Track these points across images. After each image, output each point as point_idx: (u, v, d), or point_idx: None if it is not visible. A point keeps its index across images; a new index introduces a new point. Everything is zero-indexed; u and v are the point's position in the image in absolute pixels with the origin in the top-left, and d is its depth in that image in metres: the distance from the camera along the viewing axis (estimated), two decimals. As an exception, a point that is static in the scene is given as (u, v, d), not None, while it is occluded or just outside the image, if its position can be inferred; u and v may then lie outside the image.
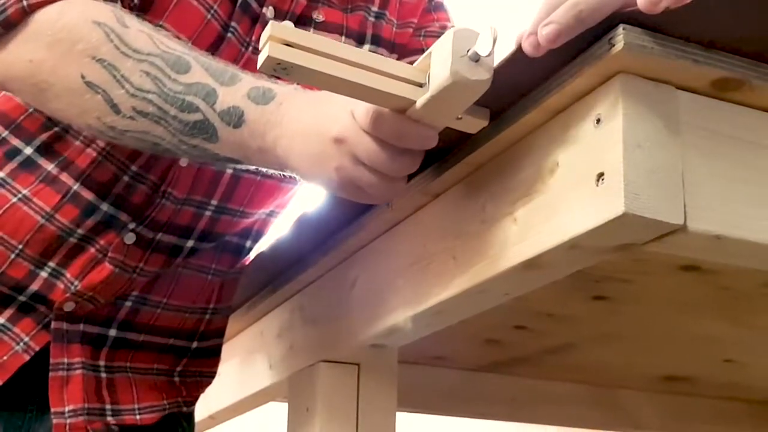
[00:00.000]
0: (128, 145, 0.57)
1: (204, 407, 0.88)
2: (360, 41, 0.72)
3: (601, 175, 0.37)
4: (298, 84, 0.48)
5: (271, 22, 0.41)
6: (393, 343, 0.60)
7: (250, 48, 0.65)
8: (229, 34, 0.64)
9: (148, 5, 0.61)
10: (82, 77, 0.53)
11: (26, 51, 0.54)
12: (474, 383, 0.87)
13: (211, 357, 0.73)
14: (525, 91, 0.42)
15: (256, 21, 0.65)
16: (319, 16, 0.70)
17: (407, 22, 0.76)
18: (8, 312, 0.62)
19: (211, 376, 0.73)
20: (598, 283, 0.59)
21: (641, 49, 0.36)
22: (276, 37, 0.39)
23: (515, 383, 0.89)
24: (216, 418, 0.89)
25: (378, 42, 0.73)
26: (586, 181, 0.38)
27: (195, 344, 0.71)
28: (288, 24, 0.38)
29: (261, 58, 0.40)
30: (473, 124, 0.43)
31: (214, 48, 0.63)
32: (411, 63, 0.51)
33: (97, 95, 0.53)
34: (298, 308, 0.71)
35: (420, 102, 0.41)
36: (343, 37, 0.71)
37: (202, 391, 0.73)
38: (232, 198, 0.67)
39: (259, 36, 0.66)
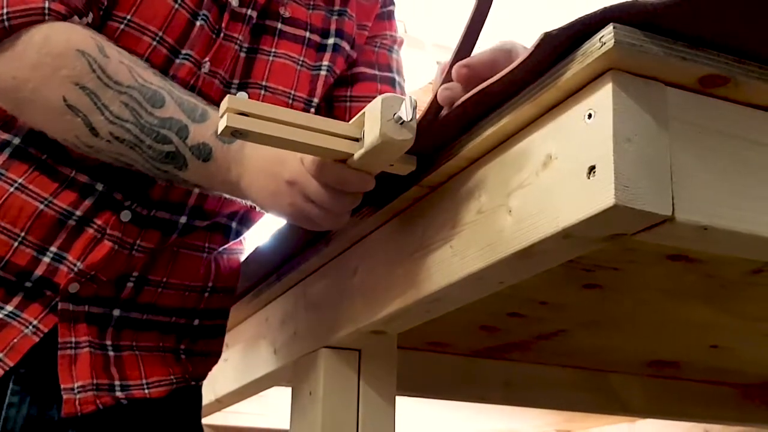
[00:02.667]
0: (102, 159, 0.61)
1: (211, 391, 0.89)
2: (324, 36, 0.75)
3: (592, 167, 0.38)
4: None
5: (228, 95, 0.46)
6: (393, 329, 0.62)
7: (222, 35, 0.68)
8: (200, 21, 0.66)
9: (115, 1, 0.63)
10: (64, 100, 0.56)
11: (11, 68, 0.57)
12: (470, 368, 0.88)
13: (216, 337, 0.75)
14: (519, 88, 0.44)
15: (224, 9, 0.68)
16: (286, 12, 0.73)
17: (363, 25, 0.79)
18: (16, 300, 0.64)
19: (217, 355, 0.76)
20: (590, 272, 0.60)
21: (631, 47, 0.37)
22: (233, 108, 0.46)
23: (510, 368, 0.90)
24: (223, 402, 0.90)
25: (342, 36, 0.76)
26: (578, 173, 0.39)
27: (197, 321, 0.73)
28: (242, 95, 0.44)
29: (221, 126, 0.46)
30: (403, 169, 0.50)
31: (185, 35, 0.66)
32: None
33: (77, 118, 0.56)
34: (301, 296, 0.72)
35: (357, 155, 0.48)
36: (308, 33, 0.74)
37: (209, 369, 0.75)
38: None
39: (227, 23, 0.69)
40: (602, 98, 0.39)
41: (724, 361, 0.92)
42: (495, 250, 0.45)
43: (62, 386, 0.64)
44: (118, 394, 0.66)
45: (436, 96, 0.48)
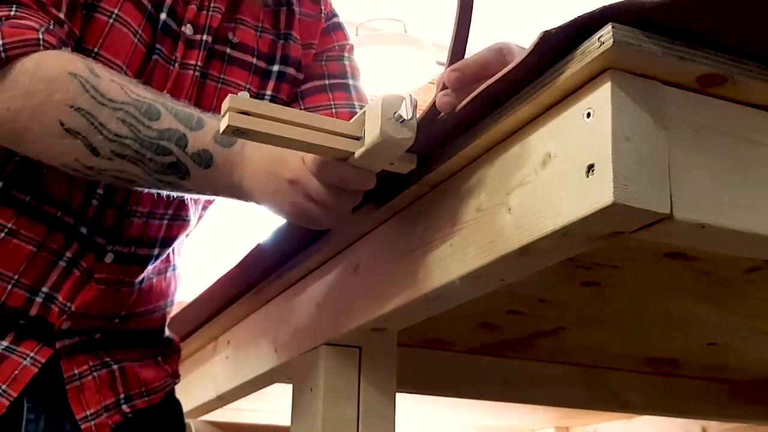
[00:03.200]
0: (102, 181, 0.62)
1: (213, 388, 0.90)
2: (270, 62, 0.76)
3: (591, 166, 0.38)
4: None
5: (229, 95, 0.46)
6: (393, 326, 0.62)
7: (177, 65, 0.69)
8: (155, 56, 0.68)
9: (83, 35, 0.64)
10: (61, 124, 0.56)
11: (4, 100, 0.57)
12: (469, 365, 0.89)
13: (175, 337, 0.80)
14: (518, 87, 0.44)
15: (178, 39, 0.69)
16: (234, 37, 0.74)
17: (309, 43, 0.80)
18: (10, 337, 0.66)
19: (179, 350, 0.80)
20: (588, 270, 0.60)
21: (629, 47, 0.38)
22: (234, 107, 0.46)
23: (508, 365, 0.90)
24: (224, 399, 0.91)
25: (287, 62, 0.77)
26: (577, 172, 0.39)
27: (167, 332, 0.78)
28: (244, 94, 0.44)
29: (222, 125, 0.46)
30: (403, 167, 0.51)
31: (143, 69, 0.67)
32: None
33: (76, 140, 0.57)
34: (302, 293, 0.72)
35: (357, 154, 0.48)
36: (255, 58, 0.75)
37: (177, 366, 0.80)
38: (183, 206, 0.73)
39: (183, 53, 0.70)
40: (601, 97, 0.39)
41: (721, 359, 0.92)
42: (495, 248, 0.45)
43: (77, 417, 0.67)
44: (124, 408, 0.70)
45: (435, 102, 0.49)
